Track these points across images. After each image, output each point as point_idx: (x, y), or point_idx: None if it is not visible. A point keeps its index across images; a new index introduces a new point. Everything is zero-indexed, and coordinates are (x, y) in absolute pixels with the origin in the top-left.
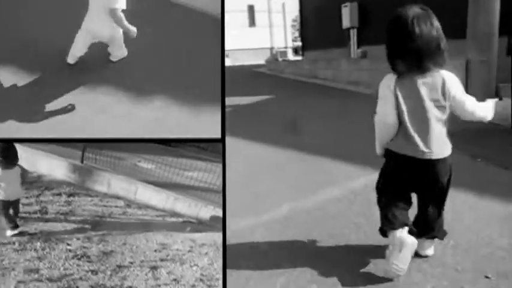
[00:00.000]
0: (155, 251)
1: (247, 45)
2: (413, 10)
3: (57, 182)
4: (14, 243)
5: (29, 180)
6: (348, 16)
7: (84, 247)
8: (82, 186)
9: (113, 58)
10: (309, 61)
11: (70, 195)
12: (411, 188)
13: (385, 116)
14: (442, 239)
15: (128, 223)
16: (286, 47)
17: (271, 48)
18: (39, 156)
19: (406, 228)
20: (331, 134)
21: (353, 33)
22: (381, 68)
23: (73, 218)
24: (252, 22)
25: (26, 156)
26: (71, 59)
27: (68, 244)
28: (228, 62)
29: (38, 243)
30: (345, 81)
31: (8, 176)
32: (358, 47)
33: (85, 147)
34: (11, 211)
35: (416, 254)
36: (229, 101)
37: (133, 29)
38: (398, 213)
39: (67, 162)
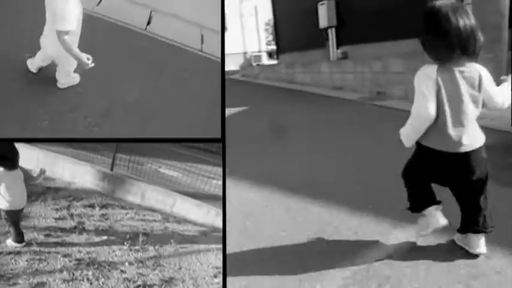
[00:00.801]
0: (214, 276)
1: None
2: (452, 2)
3: (85, 191)
4: (61, 271)
5: (43, 185)
6: (325, 15)
7: (141, 274)
8: (112, 197)
9: (59, 84)
10: (286, 65)
11: (103, 206)
12: (444, 181)
13: (426, 108)
14: (486, 232)
15: (174, 241)
16: (260, 51)
17: (245, 53)
18: (61, 161)
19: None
20: (324, 159)
21: (331, 33)
22: (366, 70)
23: (115, 235)
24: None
25: (45, 160)
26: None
27: (122, 271)
28: None
29: (90, 272)
30: (327, 86)
31: (10, 181)
32: (338, 47)
33: (116, 152)
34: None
35: (468, 253)
36: None
37: (84, 60)
38: (429, 192)
39: (94, 169)
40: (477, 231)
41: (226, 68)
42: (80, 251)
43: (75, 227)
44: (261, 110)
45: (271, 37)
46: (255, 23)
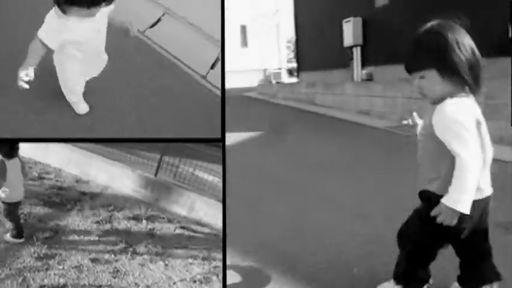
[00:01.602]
0: None
1: (239, 67)
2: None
3: (125, 198)
4: None
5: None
6: (350, 33)
7: None
8: (155, 206)
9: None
10: (306, 84)
11: (147, 218)
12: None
13: (480, 154)
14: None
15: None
16: (280, 68)
17: (264, 70)
18: (96, 161)
19: None
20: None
21: (356, 52)
22: (398, 95)
23: (170, 260)
24: (244, 43)
25: (78, 160)
26: None
27: None
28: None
29: None
30: (351, 110)
31: (10, 171)
32: (362, 67)
33: (162, 156)
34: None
35: None
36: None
37: (20, 74)
38: (426, 271)
39: (136, 173)
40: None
41: (246, 84)
42: (136, 284)
43: (124, 248)
44: (275, 137)
45: (292, 54)
46: (277, 39)
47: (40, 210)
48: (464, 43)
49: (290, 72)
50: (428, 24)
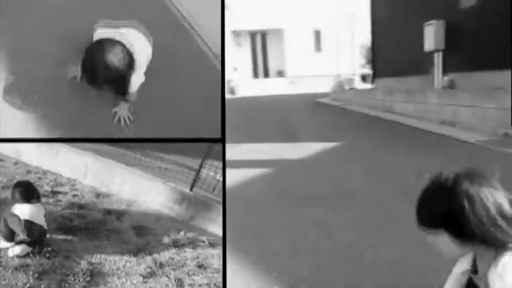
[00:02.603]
0: None
1: (312, 72)
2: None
3: (156, 217)
4: None
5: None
6: (432, 37)
7: None
8: (188, 224)
9: None
10: (383, 91)
11: (190, 244)
12: None
13: None
14: None
15: None
16: (353, 74)
17: (338, 75)
18: (119, 171)
19: None
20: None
21: (438, 58)
22: (491, 106)
23: None
24: (318, 47)
25: (96, 168)
26: None
27: None
28: (289, 90)
29: None
30: (433, 120)
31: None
32: (443, 74)
33: (203, 165)
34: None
35: None
36: (272, 150)
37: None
38: None
39: (168, 186)
40: None
41: (318, 90)
42: None
43: None
44: (359, 151)
45: (364, 60)
46: (351, 44)
47: (64, 240)
48: (490, 200)
49: (363, 78)
50: (443, 176)
